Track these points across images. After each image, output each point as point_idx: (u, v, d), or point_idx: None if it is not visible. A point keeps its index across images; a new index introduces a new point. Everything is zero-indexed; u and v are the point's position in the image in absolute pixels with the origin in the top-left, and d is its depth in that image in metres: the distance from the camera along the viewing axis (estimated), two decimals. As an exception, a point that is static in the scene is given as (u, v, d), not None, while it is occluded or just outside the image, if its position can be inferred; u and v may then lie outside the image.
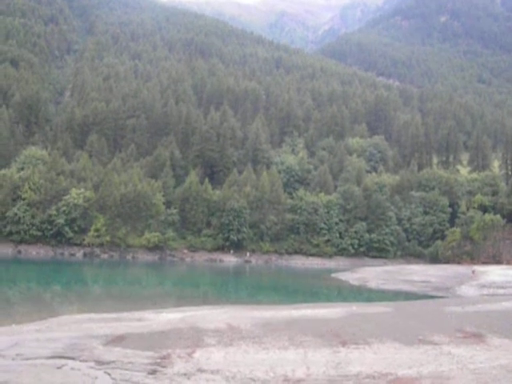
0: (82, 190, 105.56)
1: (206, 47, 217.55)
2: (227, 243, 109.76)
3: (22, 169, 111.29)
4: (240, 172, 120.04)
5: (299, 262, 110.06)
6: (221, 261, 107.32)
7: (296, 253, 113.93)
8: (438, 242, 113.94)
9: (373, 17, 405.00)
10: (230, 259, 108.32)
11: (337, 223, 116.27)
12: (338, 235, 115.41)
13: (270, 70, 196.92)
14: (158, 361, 17.57)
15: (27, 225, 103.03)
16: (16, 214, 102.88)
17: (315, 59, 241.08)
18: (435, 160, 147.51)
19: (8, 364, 17.59)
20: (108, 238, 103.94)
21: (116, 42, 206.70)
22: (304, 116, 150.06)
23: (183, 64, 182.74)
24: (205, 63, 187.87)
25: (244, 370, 16.45)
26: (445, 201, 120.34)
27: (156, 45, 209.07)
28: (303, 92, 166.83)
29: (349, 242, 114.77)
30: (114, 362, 17.43)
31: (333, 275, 76.33)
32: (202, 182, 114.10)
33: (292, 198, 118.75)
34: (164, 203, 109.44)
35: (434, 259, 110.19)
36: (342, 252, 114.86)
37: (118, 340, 21.39)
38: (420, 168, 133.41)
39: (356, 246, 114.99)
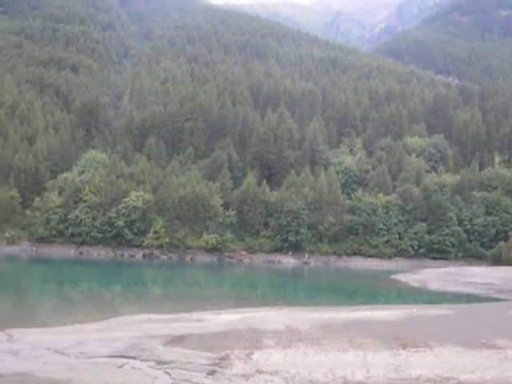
0: (141, 192, 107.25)
1: (262, 49, 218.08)
2: (285, 244, 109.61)
3: (83, 172, 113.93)
4: (298, 173, 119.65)
5: (358, 264, 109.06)
6: (279, 262, 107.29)
7: (355, 254, 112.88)
8: (501, 243, 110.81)
9: (430, 13, 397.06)
10: (288, 260, 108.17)
11: (396, 224, 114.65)
12: (397, 236, 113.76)
13: (326, 70, 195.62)
14: (217, 361, 17.62)
15: (88, 227, 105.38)
16: (78, 217, 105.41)
17: (372, 58, 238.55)
18: (497, 159, 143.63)
19: (71, 362, 17.97)
20: (167, 240, 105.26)
21: (172, 46, 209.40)
22: (361, 116, 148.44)
23: (239, 66, 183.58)
24: (261, 65, 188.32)
25: (303, 371, 16.33)
26: (508, 201, 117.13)
27: (212, 48, 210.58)
28: (360, 92, 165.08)
29: (408, 243, 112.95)
30: (173, 361, 17.58)
31: (392, 277, 75.24)
32: (259, 184, 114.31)
33: (350, 198, 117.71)
34: (222, 205, 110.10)
35: (497, 261, 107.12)
36: (401, 253, 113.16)
37: (177, 340, 21.57)
38: (481, 167, 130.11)
39: (416, 247, 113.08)
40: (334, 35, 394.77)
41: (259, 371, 16.34)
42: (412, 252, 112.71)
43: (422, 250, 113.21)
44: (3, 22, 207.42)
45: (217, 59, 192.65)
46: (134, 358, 18.27)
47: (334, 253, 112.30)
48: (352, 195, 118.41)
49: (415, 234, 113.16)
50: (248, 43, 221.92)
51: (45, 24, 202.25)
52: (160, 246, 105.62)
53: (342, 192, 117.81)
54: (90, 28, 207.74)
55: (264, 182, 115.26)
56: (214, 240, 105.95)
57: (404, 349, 19.86)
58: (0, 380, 15.74)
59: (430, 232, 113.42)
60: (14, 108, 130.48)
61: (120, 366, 17.19)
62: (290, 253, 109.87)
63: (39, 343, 21.16)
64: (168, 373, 16.29)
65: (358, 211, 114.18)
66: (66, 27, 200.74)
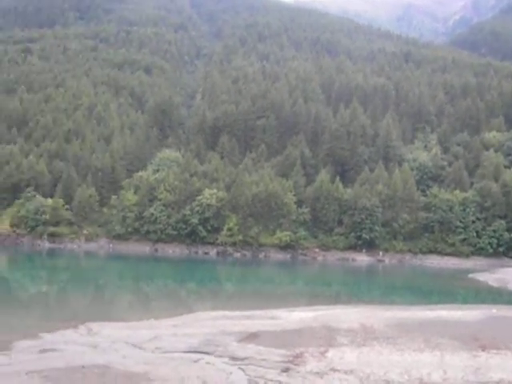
0: (215, 190, 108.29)
1: (333, 45, 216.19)
2: (359, 242, 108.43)
3: (158, 171, 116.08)
4: (371, 170, 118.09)
5: (434, 262, 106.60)
6: (353, 260, 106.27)
7: (430, 252, 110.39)
8: None
9: (508, 3, 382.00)
10: (362, 258, 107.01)
11: (473, 221, 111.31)
12: (474, 234, 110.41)
13: (399, 64, 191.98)
14: (291, 359, 17.59)
15: (163, 224, 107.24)
16: (153, 214, 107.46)
17: (446, 51, 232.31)
18: None
19: (148, 356, 18.38)
20: (240, 237, 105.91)
21: (243, 45, 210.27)
22: (436, 111, 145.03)
23: (310, 63, 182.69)
24: (332, 61, 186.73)
25: (378, 371, 16.09)
26: None
27: (283, 45, 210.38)
28: (435, 86, 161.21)
29: (487, 242, 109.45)
30: (247, 358, 17.67)
31: (470, 276, 73.28)
32: (332, 181, 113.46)
33: (425, 195, 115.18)
34: (295, 202, 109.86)
35: None
36: (479, 252, 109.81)
37: (251, 337, 21.67)
38: None
39: (494, 246, 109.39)
40: (406, 29, 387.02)
41: (333, 369, 16.21)
42: (491, 250, 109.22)
43: (501, 249, 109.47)
44: (79, 28, 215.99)
45: (288, 56, 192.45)
46: (208, 353, 18.48)
47: (409, 251, 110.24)
48: (427, 192, 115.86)
49: (494, 231, 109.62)
50: (319, 40, 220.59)
51: (119, 27, 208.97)
52: (233, 244, 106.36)
53: (417, 189, 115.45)
54: (162, 30, 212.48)
55: (337, 178, 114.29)
56: (288, 237, 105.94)
57: (483, 350, 19.28)
58: (82, 371, 16.29)
59: (509, 230, 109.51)
60: (91, 109, 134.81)
61: (195, 361, 17.43)
62: (363, 250, 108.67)
63: (117, 337, 21.74)
64: (242, 369, 16.40)
65: (433, 208, 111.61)
66: (138, 30, 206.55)
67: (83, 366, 16.92)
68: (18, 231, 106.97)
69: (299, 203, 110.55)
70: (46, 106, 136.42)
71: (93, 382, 15.27)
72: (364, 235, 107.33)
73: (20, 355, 19.19)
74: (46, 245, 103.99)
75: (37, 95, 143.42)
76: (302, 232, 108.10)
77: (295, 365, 16.76)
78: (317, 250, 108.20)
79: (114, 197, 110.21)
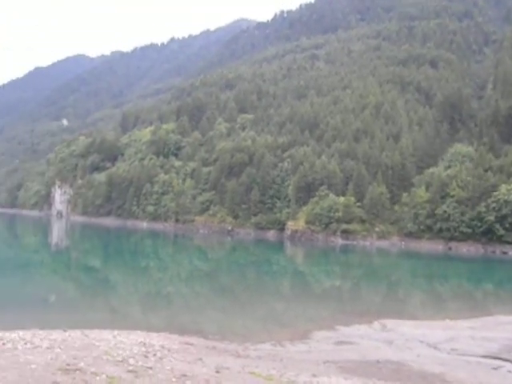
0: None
1: None
2: None
3: (449, 166, 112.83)
4: None
5: None
6: None
7: None
8: None
9: None
10: None
11: None
12: None
13: None
14: None
15: (457, 222, 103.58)
16: (445, 212, 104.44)
17: None
18: None
19: (443, 357, 17.87)
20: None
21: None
22: None
23: None
24: None
25: None
26: None
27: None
28: None
29: None
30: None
31: None
32: None
33: None
34: None
35: None
36: None
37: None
38: None
39: None
40: None
41: None
42: None
43: None
44: (361, 29, 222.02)
45: None
46: (510, 361, 17.29)
47: None
48: None
49: None
50: None
51: (400, 24, 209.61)
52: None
53: None
54: (445, 20, 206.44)
55: None
56: None
57: None
58: (376, 366, 16.45)
59: None
60: (378, 108, 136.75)
61: (495, 368, 16.43)
62: None
63: (411, 335, 21.59)
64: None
65: None
66: (421, 23, 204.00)
67: (378, 361, 17.07)
68: (312, 228, 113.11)
69: None
70: (334, 108, 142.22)
71: (387, 377, 15.24)
72: None
73: (318, 345, 20.15)
74: (339, 241, 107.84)
75: (325, 98, 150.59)
76: None
77: None
78: None
79: (404, 194, 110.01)
